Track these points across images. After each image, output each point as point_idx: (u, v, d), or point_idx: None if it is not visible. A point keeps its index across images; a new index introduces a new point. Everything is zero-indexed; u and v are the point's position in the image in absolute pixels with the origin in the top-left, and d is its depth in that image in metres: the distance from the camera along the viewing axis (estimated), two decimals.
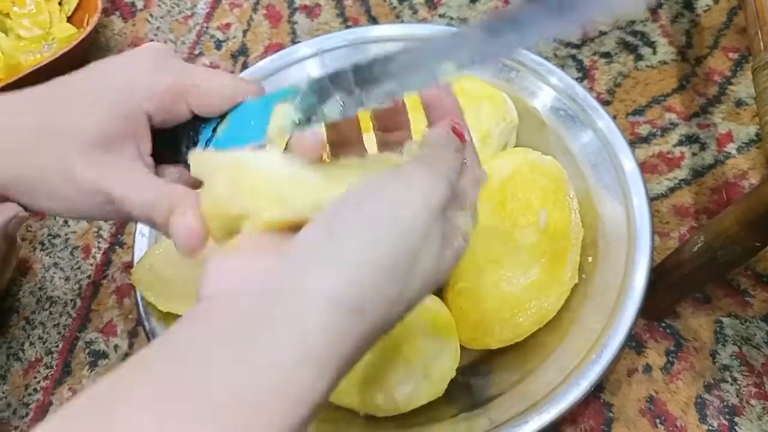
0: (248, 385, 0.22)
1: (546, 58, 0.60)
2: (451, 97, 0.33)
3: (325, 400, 0.24)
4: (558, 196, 0.52)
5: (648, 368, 0.53)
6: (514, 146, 0.58)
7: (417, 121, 0.55)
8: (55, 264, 0.63)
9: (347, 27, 0.77)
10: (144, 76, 0.34)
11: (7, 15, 0.75)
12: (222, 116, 0.35)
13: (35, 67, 0.66)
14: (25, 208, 0.35)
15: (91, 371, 0.57)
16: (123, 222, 0.65)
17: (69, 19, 0.76)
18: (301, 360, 0.23)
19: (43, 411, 0.56)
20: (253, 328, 0.23)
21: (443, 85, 0.33)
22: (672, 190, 0.62)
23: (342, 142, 0.36)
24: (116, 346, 0.58)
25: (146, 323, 0.50)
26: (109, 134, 0.33)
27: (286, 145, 0.31)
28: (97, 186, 0.32)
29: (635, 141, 0.64)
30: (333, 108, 0.30)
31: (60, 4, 0.77)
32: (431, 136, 0.31)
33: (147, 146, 0.35)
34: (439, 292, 0.53)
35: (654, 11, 0.73)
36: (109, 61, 0.36)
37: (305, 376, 0.23)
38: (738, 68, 0.68)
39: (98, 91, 0.34)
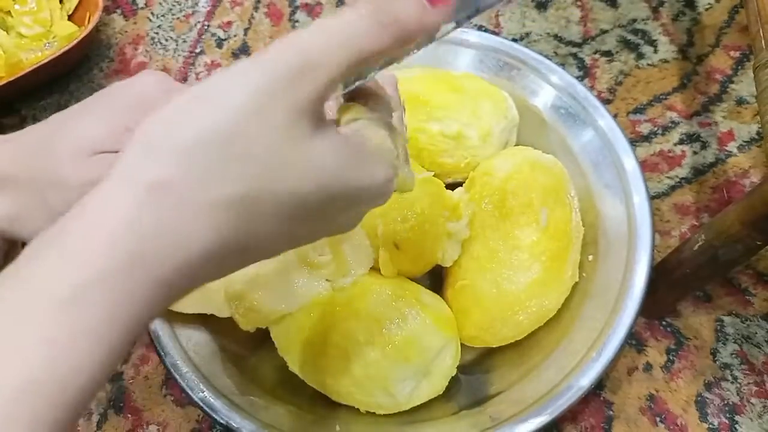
0: None
1: (547, 56, 0.60)
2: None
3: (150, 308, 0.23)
4: (559, 194, 0.52)
5: (648, 367, 0.53)
6: (515, 145, 0.58)
7: (416, 121, 0.55)
8: None
9: None
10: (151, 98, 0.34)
11: (9, 13, 0.75)
12: None
13: (36, 65, 0.67)
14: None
15: None
16: None
17: (70, 17, 0.76)
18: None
19: None
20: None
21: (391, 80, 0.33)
22: (673, 188, 0.61)
23: None
24: None
25: None
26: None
27: None
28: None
29: (636, 139, 0.64)
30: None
31: (61, 2, 0.77)
32: None
33: None
34: (440, 290, 0.53)
35: (655, 9, 0.73)
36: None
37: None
38: (739, 67, 0.67)
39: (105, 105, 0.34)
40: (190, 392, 0.46)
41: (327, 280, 0.48)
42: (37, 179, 0.32)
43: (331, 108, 0.29)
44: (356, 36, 0.25)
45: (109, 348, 0.22)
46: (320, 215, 0.27)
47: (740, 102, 0.65)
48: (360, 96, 0.30)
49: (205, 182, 0.23)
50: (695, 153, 0.63)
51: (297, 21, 0.78)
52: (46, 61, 0.67)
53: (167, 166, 0.23)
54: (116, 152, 0.31)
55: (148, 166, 0.23)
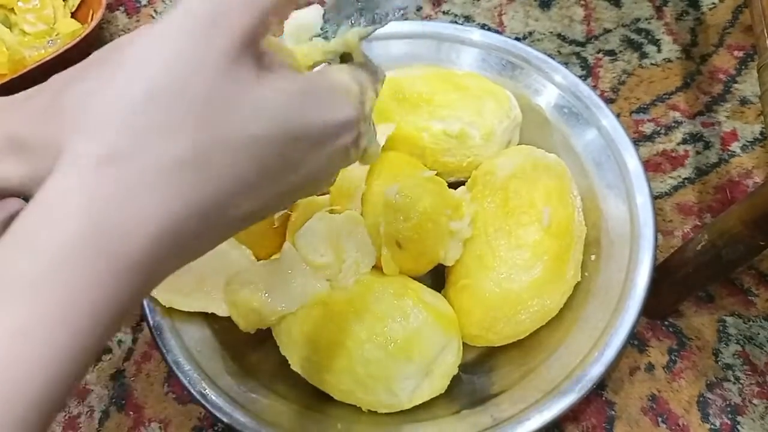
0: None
1: (550, 55, 0.59)
2: None
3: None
4: (561, 194, 0.52)
5: (650, 367, 0.53)
6: (518, 144, 0.58)
7: (419, 120, 0.55)
8: None
9: None
10: None
11: (12, 10, 0.75)
12: None
13: (39, 63, 0.66)
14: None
15: (94, 367, 0.57)
16: None
17: (73, 15, 0.77)
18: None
19: None
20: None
21: None
22: (676, 188, 0.61)
23: None
24: (120, 341, 0.58)
25: (150, 318, 0.50)
26: None
27: None
28: None
29: (639, 139, 0.64)
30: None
31: None
32: None
33: None
34: (442, 288, 0.53)
35: (659, 9, 0.73)
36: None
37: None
38: (743, 67, 0.67)
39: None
40: (191, 390, 0.46)
41: (327, 279, 0.48)
42: (51, 142, 0.32)
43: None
44: None
45: (78, 337, 0.21)
46: (285, 163, 0.26)
47: (744, 102, 0.65)
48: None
49: (150, 146, 0.22)
50: (698, 153, 0.63)
51: None
52: (49, 58, 0.67)
53: (108, 140, 0.22)
54: None
55: (88, 144, 0.22)
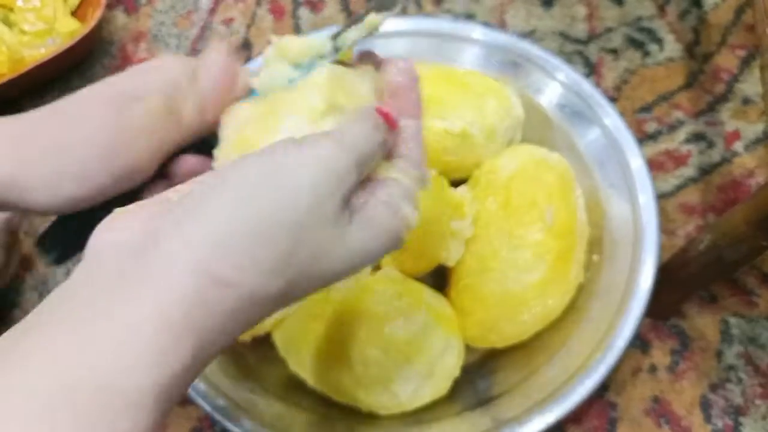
0: (94, 365, 0.21)
1: (552, 53, 0.59)
2: (414, 93, 0.33)
3: (187, 375, 0.23)
4: (564, 193, 0.52)
5: (653, 368, 0.53)
6: (520, 142, 0.58)
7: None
8: None
9: None
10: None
11: (11, 9, 0.75)
12: None
13: (39, 62, 0.66)
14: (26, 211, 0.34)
15: None
16: None
17: (73, 14, 0.76)
18: (154, 331, 0.22)
19: None
20: (109, 296, 0.23)
21: (411, 74, 0.33)
22: (679, 188, 0.61)
23: None
24: None
25: None
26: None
27: None
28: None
29: (642, 138, 0.64)
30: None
31: None
32: (352, 112, 0.30)
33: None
34: (443, 289, 0.52)
35: (661, 8, 0.72)
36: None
37: (158, 346, 0.22)
38: (745, 66, 0.67)
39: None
40: (190, 391, 0.46)
41: None
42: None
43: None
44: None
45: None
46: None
47: (746, 101, 0.65)
48: (403, 157, 0.31)
49: (266, 282, 0.24)
50: (701, 152, 0.63)
51: (300, 17, 0.78)
52: (48, 57, 0.67)
53: (232, 266, 0.24)
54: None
55: (215, 261, 0.23)
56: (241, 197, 0.24)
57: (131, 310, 0.22)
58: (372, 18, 0.31)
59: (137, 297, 0.23)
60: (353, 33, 0.31)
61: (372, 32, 0.31)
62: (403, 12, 0.32)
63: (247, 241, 0.24)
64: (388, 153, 0.31)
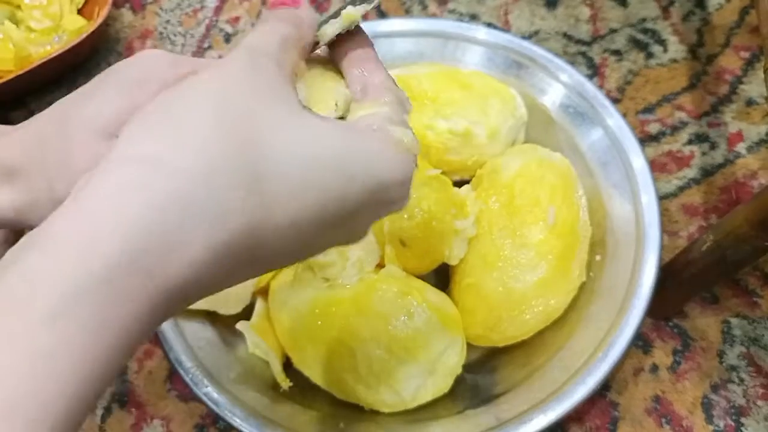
0: None
1: (556, 54, 0.59)
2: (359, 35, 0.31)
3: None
4: (566, 193, 0.52)
5: (655, 368, 0.53)
6: (523, 143, 0.58)
7: (424, 118, 0.55)
8: None
9: None
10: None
11: (18, 7, 0.75)
12: None
13: (45, 59, 0.67)
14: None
15: None
16: None
17: (79, 12, 0.77)
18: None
19: None
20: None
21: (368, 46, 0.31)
22: (681, 189, 0.61)
23: None
24: None
25: None
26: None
27: None
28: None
29: (645, 139, 0.64)
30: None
31: None
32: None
33: None
34: (446, 288, 0.53)
35: (665, 9, 0.73)
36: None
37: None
38: (749, 67, 0.67)
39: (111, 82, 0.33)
40: (194, 387, 0.46)
41: (326, 279, 0.48)
42: (47, 168, 0.31)
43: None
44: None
45: (99, 366, 0.20)
46: (340, 217, 0.25)
47: (749, 103, 0.65)
48: (371, 90, 0.30)
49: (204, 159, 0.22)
50: (704, 153, 0.63)
51: None
52: (55, 55, 0.67)
53: (164, 144, 0.22)
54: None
55: (141, 146, 0.22)
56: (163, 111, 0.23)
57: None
58: (349, 12, 0.30)
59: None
60: (330, 28, 0.31)
61: (350, 27, 0.31)
62: (378, 6, 0.32)
63: (158, 117, 0.23)
64: (351, 95, 0.30)
